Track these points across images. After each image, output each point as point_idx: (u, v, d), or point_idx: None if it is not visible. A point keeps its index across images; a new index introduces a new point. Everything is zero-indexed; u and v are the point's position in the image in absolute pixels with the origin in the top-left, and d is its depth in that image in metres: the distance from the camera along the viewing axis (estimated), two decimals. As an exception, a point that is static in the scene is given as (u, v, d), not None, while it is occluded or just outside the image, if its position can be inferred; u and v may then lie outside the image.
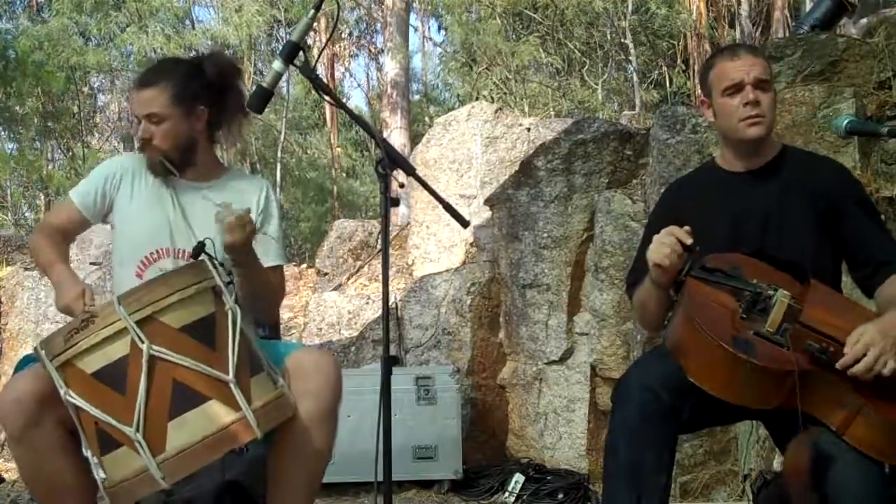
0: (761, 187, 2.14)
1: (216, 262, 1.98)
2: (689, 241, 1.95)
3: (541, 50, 11.20)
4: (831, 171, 2.19)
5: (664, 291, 2.06)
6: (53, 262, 2.29)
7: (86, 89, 15.50)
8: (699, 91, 2.32)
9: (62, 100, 14.54)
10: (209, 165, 2.42)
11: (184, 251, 2.28)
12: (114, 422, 1.80)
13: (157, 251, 2.30)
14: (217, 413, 1.84)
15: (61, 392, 1.85)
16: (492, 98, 11.29)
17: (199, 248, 2.00)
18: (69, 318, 2.15)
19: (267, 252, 2.36)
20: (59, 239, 2.36)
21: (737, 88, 2.11)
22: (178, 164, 2.34)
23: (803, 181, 2.12)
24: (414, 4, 14.62)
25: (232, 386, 1.85)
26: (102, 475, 1.86)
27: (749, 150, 2.16)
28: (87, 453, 1.89)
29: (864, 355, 1.78)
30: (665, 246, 1.95)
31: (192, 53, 12.71)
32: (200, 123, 2.36)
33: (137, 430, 1.79)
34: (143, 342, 1.81)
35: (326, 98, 2.24)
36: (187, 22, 15.02)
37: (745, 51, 2.16)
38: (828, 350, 1.81)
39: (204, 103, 2.35)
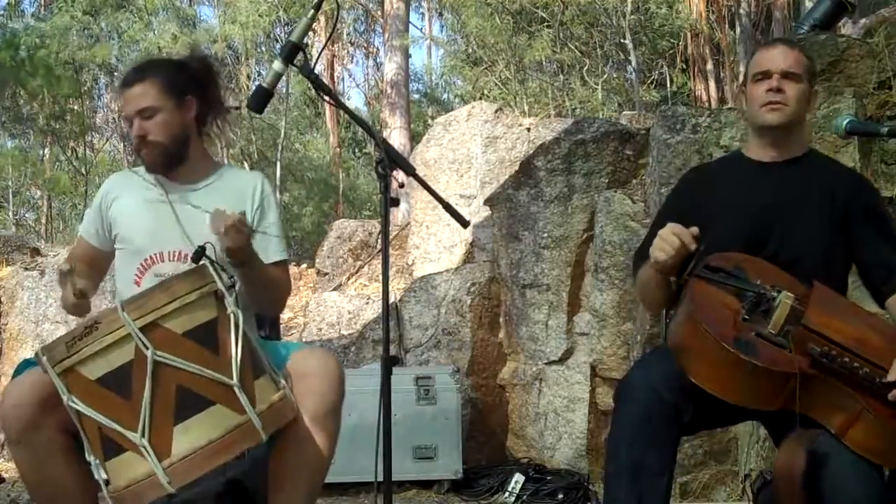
0: (782, 180, 2.16)
1: (217, 266, 1.98)
2: (693, 246, 1.95)
3: (548, 48, 11.17)
4: (851, 177, 2.24)
5: (666, 277, 2.07)
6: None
7: (85, 89, 15.49)
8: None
9: (68, 99, 14.51)
10: (201, 163, 2.41)
11: (179, 253, 2.28)
12: (119, 427, 1.81)
13: (151, 256, 2.30)
14: (222, 417, 1.84)
15: (64, 398, 1.85)
16: (492, 97, 11.28)
17: (200, 252, 2.00)
18: (70, 319, 2.16)
19: (268, 248, 2.36)
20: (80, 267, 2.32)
21: (764, 76, 2.15)
22: (175, 157, 2.34)
23: (823, 182, 2.15)
24: (414, 3, 14.62)
25: (236, 390, 1.86)
26: (105, 477, 1.86)
27: (771, 138, 2.18)
28: (90, 458, 1.89)
29: None
30: (669, 246, 1.96)
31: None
32: (191, 113, 2.36)
33: (143, 435, 1.79)
34: (147, 348, 1.81)
35: (326, 98, 2.25)
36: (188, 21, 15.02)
37: (783, 43, 2.24)
38: (830, 353, 1.81)
39: (192, 93, 2.36)
